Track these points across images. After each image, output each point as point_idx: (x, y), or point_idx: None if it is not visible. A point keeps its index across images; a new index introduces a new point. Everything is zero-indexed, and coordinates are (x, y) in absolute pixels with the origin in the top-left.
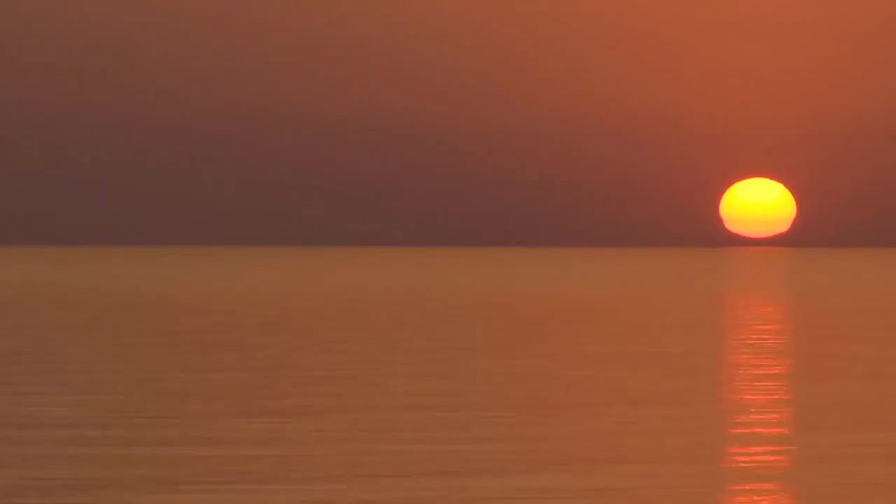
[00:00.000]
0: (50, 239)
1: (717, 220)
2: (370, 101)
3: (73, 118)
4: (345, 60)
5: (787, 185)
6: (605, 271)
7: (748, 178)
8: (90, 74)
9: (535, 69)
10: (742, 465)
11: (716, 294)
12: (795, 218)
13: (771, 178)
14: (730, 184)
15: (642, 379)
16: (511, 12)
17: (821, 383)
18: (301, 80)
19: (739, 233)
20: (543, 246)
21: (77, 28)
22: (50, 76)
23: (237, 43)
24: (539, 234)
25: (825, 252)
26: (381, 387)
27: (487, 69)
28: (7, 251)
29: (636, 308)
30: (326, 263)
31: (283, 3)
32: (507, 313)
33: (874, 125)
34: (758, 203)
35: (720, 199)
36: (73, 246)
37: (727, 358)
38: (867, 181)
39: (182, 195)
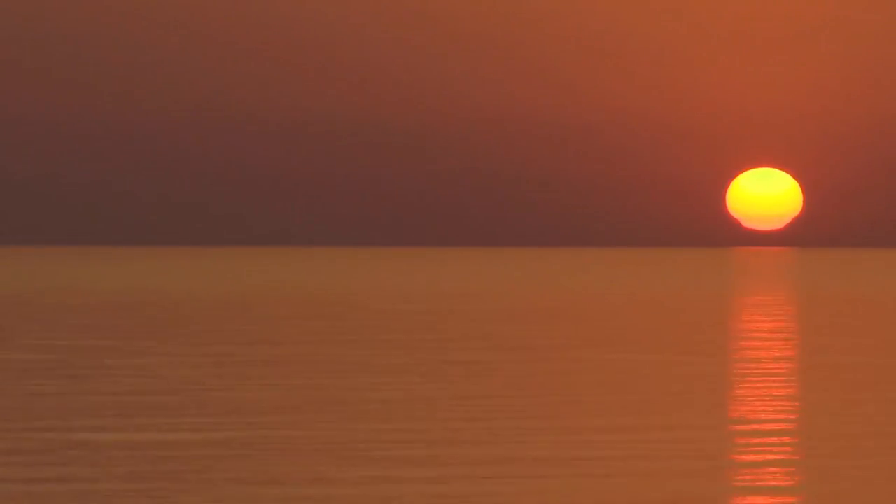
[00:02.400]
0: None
1: (723, 214)
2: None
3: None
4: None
5: (794, 175)
6: (602, 272)
7: (752, 168)
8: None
9: (535, 66)
10: None
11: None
12: (801, 212)
13: (778, 168)
14: (733, 176)
15: None
16: (512, 10)
17: None
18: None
19: (751, 227)
20: (543, 246)
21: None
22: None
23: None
24: (538, 233)
25: (832, 252)
26: None
27: (488, 68)
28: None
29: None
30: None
31: (292, 3)
32: None
33: (883, 117)
34: (764, 196)
35: (725, 193)
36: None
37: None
38: (882, 174)
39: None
